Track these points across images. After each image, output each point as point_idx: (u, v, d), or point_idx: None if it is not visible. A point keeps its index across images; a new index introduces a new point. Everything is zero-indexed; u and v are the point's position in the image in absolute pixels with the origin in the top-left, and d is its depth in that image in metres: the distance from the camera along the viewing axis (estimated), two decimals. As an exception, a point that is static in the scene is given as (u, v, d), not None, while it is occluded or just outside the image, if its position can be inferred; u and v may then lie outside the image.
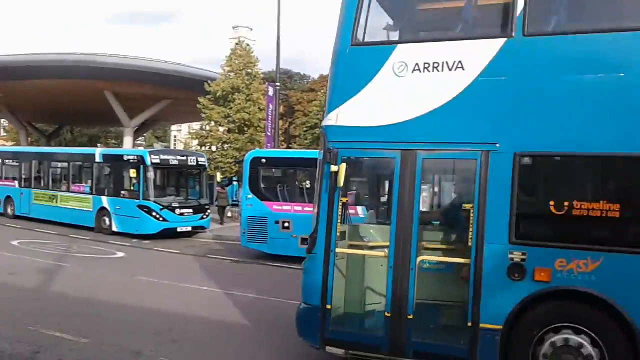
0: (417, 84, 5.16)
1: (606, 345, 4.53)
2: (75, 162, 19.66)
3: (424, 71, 5.11)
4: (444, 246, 6.01)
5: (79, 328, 6.71)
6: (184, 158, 17.78)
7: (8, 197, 21.37)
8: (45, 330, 6.53)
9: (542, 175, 5.09)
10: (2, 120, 51.95)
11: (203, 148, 25.52)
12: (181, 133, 63.27)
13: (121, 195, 17.42)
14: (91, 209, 18.11)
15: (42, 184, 20.48)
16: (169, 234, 16.29)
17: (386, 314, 5.18)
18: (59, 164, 20.36)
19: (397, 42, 5.64)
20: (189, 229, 17.10)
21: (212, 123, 25.51)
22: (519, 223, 4.77)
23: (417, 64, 5.13)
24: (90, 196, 18.29)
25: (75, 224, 18.49)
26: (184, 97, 24.73)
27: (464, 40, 5.35)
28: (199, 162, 17.83)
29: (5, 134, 53.37)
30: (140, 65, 20.16)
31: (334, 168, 5.23)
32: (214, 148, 25.84)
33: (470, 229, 4.91)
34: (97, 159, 18.39)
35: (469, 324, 4.86)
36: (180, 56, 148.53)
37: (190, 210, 17.13)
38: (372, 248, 6.02)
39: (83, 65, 19.39)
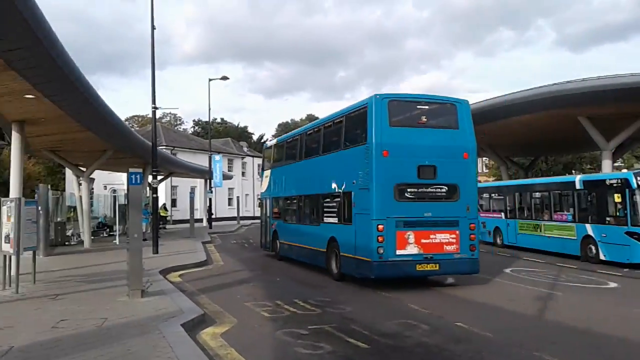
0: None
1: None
2: (555, 190, 19.85)
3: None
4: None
5: (581, 358, 6.61)
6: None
7: (497, 227, 23.26)
8: (549, 358, 6.67)
9: (279, 203, 19.05)
10: (484, 158, 57.68)
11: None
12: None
13: (606, 222, 16.55)
14: (575, 237, 17.84)
15: (525, 214, 21.47)
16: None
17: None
18: (540, 194, 20.95)
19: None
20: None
21: None
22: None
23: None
24: (573, 224, 18.07)
25: (560, 252, 18.57)
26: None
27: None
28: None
29: (487, 170, 58.84)
30: (619, 83, 18.92)
31: None
32: None
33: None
34: (578, 186, 18.06)
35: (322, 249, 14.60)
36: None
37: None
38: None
39: (557, 95, 19.63)
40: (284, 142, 19.85)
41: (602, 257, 16.47)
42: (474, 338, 7.75)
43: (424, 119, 13.02)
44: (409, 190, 12.40)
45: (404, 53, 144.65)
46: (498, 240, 23.12)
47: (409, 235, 12.06)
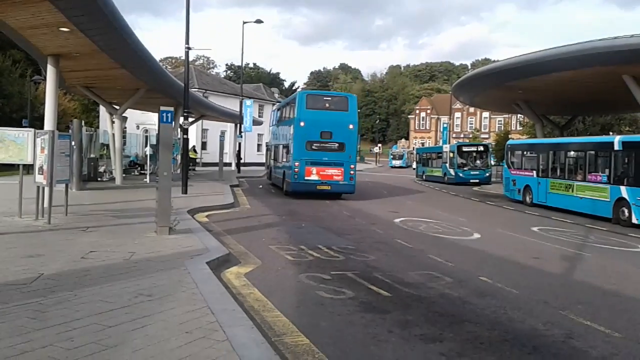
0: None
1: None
2: (591, 151, 19.28)
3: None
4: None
5: (609, 320, 6.49)
6: None
7: (527, 186, 22.87)
8: (575, 317, 6.58)
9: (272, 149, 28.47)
10: (518, 115, 56.22)
11: None
12: None
13: (643, 185, 16.08)
14: (608, 199, 17.42)
15: (558, 174, 21.00)
16: None
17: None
18: (575, 154, 20.40)
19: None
20: None
21: None
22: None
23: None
24: (607, 186, 17.61)
25: (590, 214, 18.21)
26: None
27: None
28: None
29: (520, 128, 57.47)
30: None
31: None
32: None
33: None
34: (616, 146, 17.47)
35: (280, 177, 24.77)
36: None
37: None
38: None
39: (602, 51, 18.69)
40: (278, 109, 29.61)
41: (634, 220, 16.07)
42: (498, 293, 7.68)
43: (327, 105, 22.57)
44: (314, 144, 21.52)
45: (444, 3, 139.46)
46: (527, 199, 22.77)
47: (312, 169, 21.38)
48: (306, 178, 21.29)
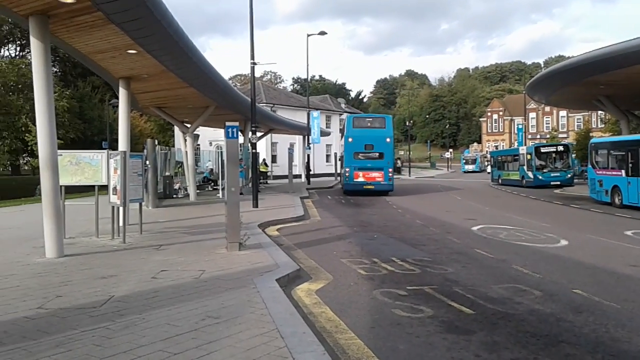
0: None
1: None
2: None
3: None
4: None
5: None
6: None
7: (615, 186, 21.26)
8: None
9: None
10: (599, 112, 53.05)
11: None
12: None
13: None
14: None
15: (650, 172, 19.36)
16: None
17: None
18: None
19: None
20: None
21: None
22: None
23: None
24: None
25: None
26: None
27: None
28: None
29: (602, 125, 54.20)
30: None
31: None
32: None
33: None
34: None
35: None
36: None
37: None
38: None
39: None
40: (340, 129, 39.12)
41: None
42: (596, 308, 6.89)
43: (368, 124, 29.11)
44: (360, 154, 28.02)
45: (513, 2, 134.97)
46: (617, 200, 21.14)
47: (360, 173, 27.82)
48: (355, 180, 27.90)
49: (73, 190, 18.76)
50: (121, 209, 11.91)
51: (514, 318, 6.47)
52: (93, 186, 12.56)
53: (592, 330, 6.01)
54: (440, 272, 9.20)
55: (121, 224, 11.75)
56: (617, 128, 36.38)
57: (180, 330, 5.42)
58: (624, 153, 21.16)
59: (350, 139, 28.07)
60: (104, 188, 12.47)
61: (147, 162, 19.73)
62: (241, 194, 18.97)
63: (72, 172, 11.77)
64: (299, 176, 44.16)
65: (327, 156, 56.66)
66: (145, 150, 20.93)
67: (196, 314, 6.04)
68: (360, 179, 27.71)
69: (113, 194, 11.79)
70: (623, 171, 20.91)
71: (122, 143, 15.83)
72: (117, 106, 39.60)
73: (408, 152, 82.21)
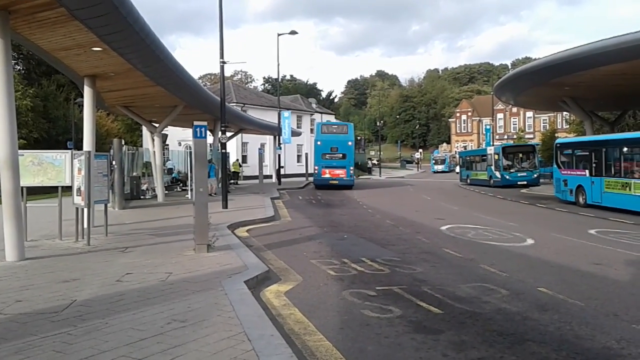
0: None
1: None
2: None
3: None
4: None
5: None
6: None
7: (579, 186, 21.75)
8: (652, 332, 5.88)
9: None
10: (564, 113, 54.18)
11: None
12: None
13: None
14: (672, 197, 16.28)
15: (613, 172, 19.84)
16: None
17: None
18: (631, 150, 19.23)
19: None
20: None
21: None
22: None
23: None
24: (670, 183, 16.46)
25: (653, 214, 17.08)
26: None
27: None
28: None
29: (567, 126, 55.42)
30: None
31: None
32: None
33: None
34: (677, 141, 16.35)
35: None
36: None
37: None
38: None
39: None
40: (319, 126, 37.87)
41: (702, 219, 14.95)
42: (561, 306, 7.00)
43: (334, 130, 35.28)
44: (327, 155, 33.88)
45: (482, 4, 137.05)
46: (581, 200, 21.63)
47: (326, 171, 33.85)
48: (322, 176, 34.05)
49: (37, 192, 18.30)
50: (85, 210, 11.63)
51: (482, 317, 6.52)
52: (57, 187, 12.22)
53: (557, 329, 6.09)
54: (410, 271, 9.23)
55: (85, 225, 11.47)
56: (582, 129, 37.18)
57: (145, 335, 5.28)
58: (588, 153, 21.67)
59: (319, 142, 34.27)
60: (68, 189, 12.17)
61: (114, 163, 19.35)
62: (215, 194, 18.76)
63: (34, 172, 11.45)
64: (270, 176, 43.95)
65: (299, 156, 56.56)
66: (112, 150, 20.51)
67: (162, 317, 5.91)
68: (327, 176, 33.93)
69: (77, 195, 11.51)
70: (587, 171, 21.41)
71: (87, 143, 15.47)
72: (83, 105, 38.89)
73: (379, 152, 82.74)
